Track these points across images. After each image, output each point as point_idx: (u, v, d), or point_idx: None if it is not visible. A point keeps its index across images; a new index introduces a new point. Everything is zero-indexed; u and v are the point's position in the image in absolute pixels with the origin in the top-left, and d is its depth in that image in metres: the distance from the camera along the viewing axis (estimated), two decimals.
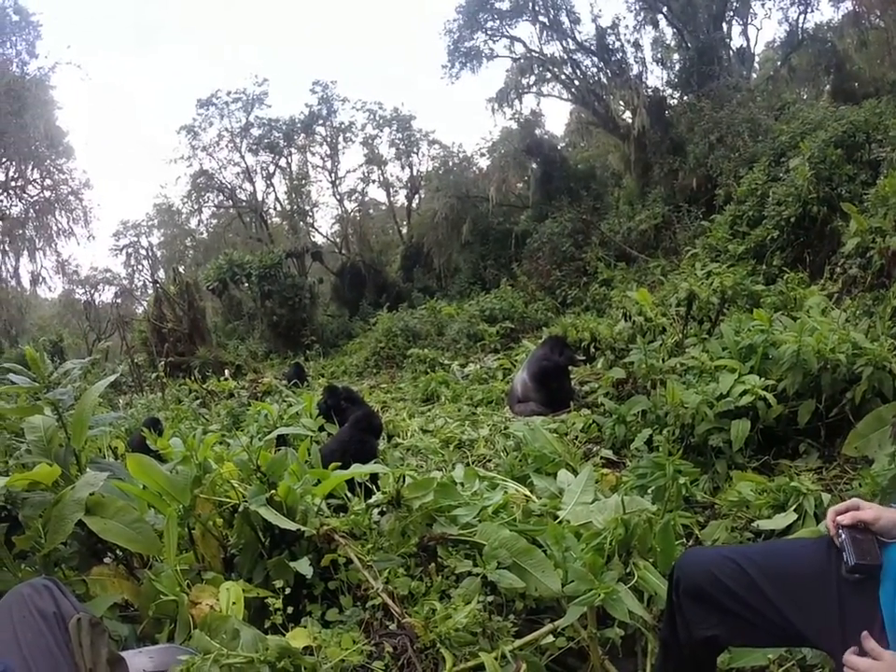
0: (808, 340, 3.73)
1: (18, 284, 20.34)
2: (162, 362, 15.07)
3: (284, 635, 2.03)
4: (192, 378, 12.86)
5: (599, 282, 13.14)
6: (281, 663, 1.78)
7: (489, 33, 21.98)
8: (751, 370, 3.93)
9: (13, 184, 19.23)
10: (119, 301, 32.68)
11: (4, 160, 18.37)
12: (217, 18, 58.58)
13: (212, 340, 18.46)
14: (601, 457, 4.20)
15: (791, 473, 3.17)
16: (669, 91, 20.34)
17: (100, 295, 34.17)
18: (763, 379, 3.73)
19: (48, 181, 19.87)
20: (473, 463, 4.76)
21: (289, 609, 2.13)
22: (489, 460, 4.80)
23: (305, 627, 2.12)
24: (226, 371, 13.55)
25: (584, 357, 7.39)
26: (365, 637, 2.09)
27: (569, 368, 6.28)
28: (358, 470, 2.75)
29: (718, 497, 3.15)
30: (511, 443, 4.76)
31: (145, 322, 18.82)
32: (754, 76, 22.02)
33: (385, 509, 2.57)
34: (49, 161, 19.54)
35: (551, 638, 2.07)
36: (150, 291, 27.19)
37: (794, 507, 2.61)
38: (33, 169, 19.39)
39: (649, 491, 2.95)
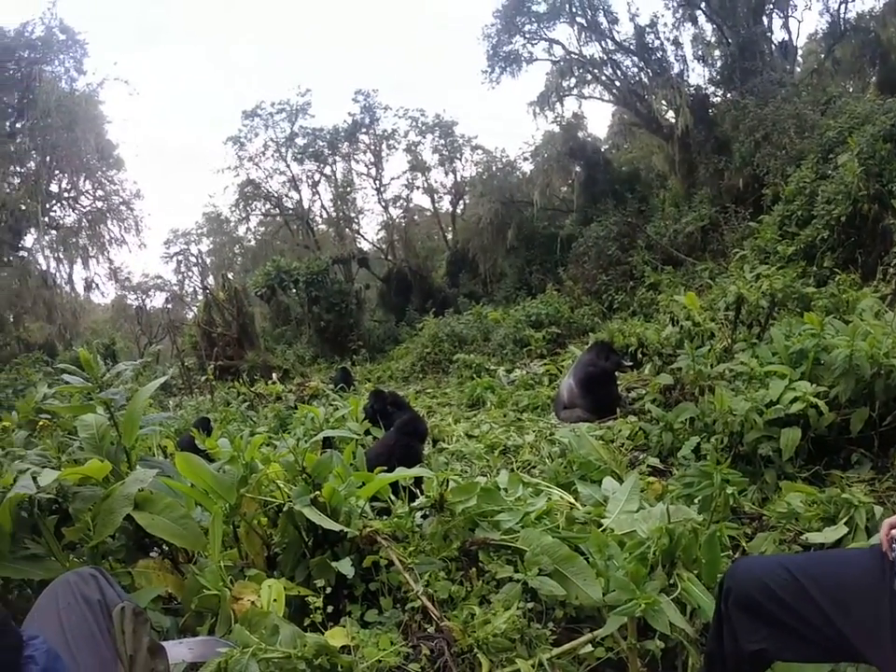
0: (861, 344, 3.61)
1: (72, 289, 21.11)
2: (212, 366, 15.42)
3: (322, 633, 2.06)
4: (241, 381, 13.11)
5: (646, 286, 12.93)
6: (318, 660, 1.79)
7: (527, 36, 21.88)
8: (802, 376, 3.82)
9: (66, 195, 20.03)
10: (169, 306, 33.67)
11: (57, 172, 19.16)
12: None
13: (260, 344, 18.77)
14: (647, 465, 4.11)
15: (843, 484, 3.06)
16: (712, 88, 19.83)
17: (151, 300, 35.28)
18: (814, 385, 3.62)
19: (99, 192, 20.71)
20: (518, 469, 4.72)
21: (329, 609, 2.15)
22: (534, 466, 4.75)
23: (344, 627, 2.14)
24: (273, 375, 13.76)
25: (631, 363, 7.29)
26: (403, 638, 2.09)
27: (616, 373, 6.20)
28: (403, 474, 2.76)
29: (766, 508, 3.05)
30: (557, 450, 4.72)
31: (195, 327, 19.25)
32: (798, 70, 21.27)
33: (427, 512, 2.57)
34: (100, 173, 20.33)
35: (589, 648, 2.03)
36: (200, 297, 27.97)
37: (845, 520, 2.51)
38: (85, 180, 20.18)
39: (695, 501, 2.88)
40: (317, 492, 2.47)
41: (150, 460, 2.79)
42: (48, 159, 18.41)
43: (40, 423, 2.72)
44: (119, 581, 2.27)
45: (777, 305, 6.08)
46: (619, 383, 6.43)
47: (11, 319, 17.91)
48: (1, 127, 17.36)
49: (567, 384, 6.29)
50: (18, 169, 18.51)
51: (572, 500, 3.12)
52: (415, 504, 2.57)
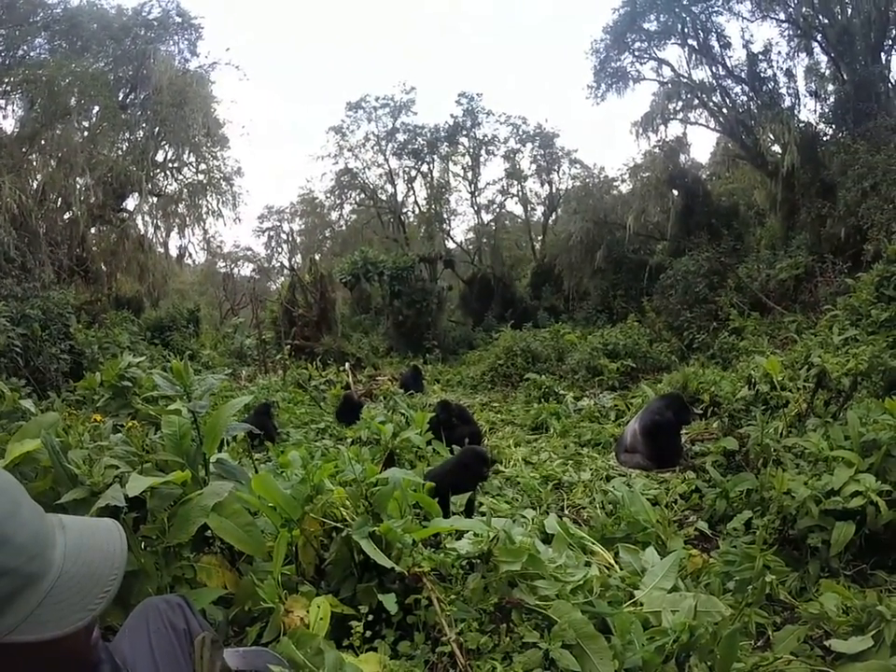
0: None
1: (166, 254, 22.23)
2: (288, 345, 16.00)
3: (357, 654, 2.23)
4: (313, 364, 13.58)
5: (730, 330, 12.50)
6: None
7: (636, 54, 21.41)
8: (871, 467, 3.69)
9: (170, 165, 21.16)
10: (256, 276, 35.08)
11: (164, 143, 20.27)
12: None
13: (338, 330, 19.30)
14: (695, 528, 4.14)
15: (884, 590, 3.00)
16: (822, 126, 18.71)
17: (238, 270, 36.90)
18: (879, 481, 3.49)
19: (202, 166, 21.71)
20: (567, 509, 4.81)
21: (367, 633, 2.33)
22: (584, 508, 4.83)
23: (377, 652, 2.31)
24: (346, 364, 14.14)
25: (701, 412, 7.19)
26: None
27: (682, 427, 6.16)
28: (459, 525, 2.93)
29: (801, 601, 3.01)
30: (609, 497, 4.77)
31: (277, 304, 19.95)
32: None
33: (474, 561, 2.69)
34: (204, 149, 21.36)
35: None
36: (286, 272, 28.98)
37: (874, 632, 2.44)
38: (189, 154, 21.19)
39: (734, 578, 2.92)
40: (376, 527, 2.65)
41: (226, 464, 3.00)
42: (156, 130, 19.45)
43: (128, 424, 2.99)
44: (184, 574, 2.53)
45: (861, 376, 5.88)
46: (685, 432, 6.39)
47: (105, 274, 19.02)
48: (115, 97, 18.41)
49: (631, 427, 6.29)
50: (127, 136, 19.64)
51: (612, 561, 3.21)
52: (464, 552, 2.70)
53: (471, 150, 30.17)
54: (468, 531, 2.91)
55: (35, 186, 16.09)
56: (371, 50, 64.46)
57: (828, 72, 18.89)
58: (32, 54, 17.30)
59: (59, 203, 17.49)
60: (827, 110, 18.70)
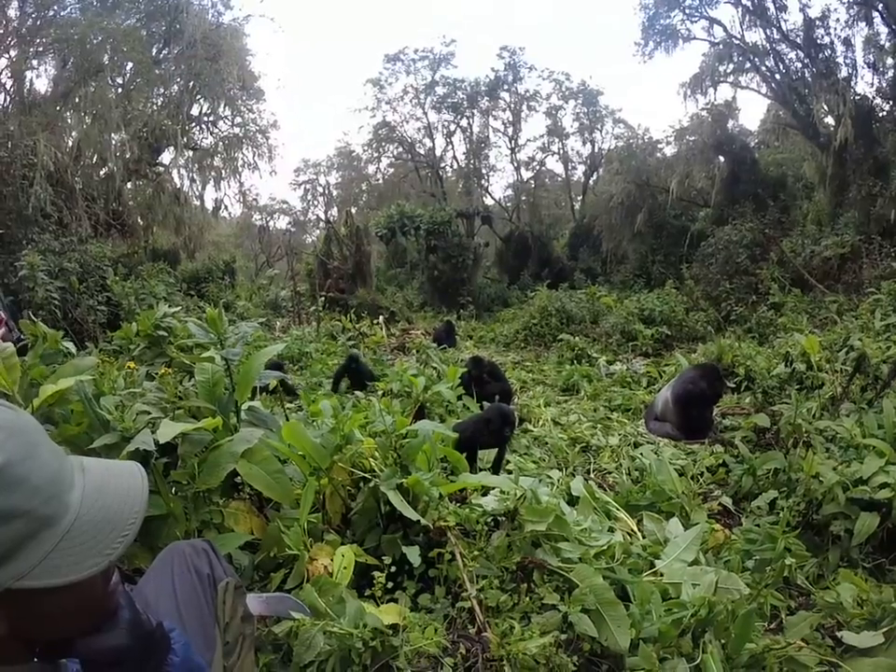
0: None
1: (201, 207, 22.35)
2: (323, 297, 16.11)
3: (378, 605, 2.28)
4: (347, 316, 13.68)
5: (769, 304, 12.22)
6: (373, 642, 2.01)
7: (687, 12, 20.60)
8: None
9: (205, 119, 21.10)
10: (292, 229, 35.18)
11: (199, 97, 20.14)
12: None
13: (372, 283, 19.30)
14: (719, 503, 4.11)
15: None
16: (879, 101, 17.71)
17: (274, 222, 37.03)
18: None
19: (237, 119, 21.60)
20: (593, 473, 4.81)
21: (389, 584, 2.36)
22: (610, 473, 4.82)
23: (398, 603, 2.36)
24: (380, 317, 14.21)
25: (734, 385, 7.06)
26: (446, 630, 2.27)
27: (715, 399, 6.06)
28: (487, 481, 2.93)
29: (818, 588, 2.99)
30: (636, 464, 4.76)
31: (313, 256, 20.01)
32: None
33: (499, 519, 2.72)
34: (240, 102, 21.20)
35: None
36: (322, 225, 29.03)
37: (886, 629, 2.40)
38: (224, 107, 21.03)
39: (753, 557, 2.91)
40: (404, 479, 2.68)
41: (257, 412, 3.06)
42: (191, 85, 19.32)
43: (162, 371, 3.03)
44: (212, 519, 2.59)
45: None
46: (717, 404, 6.29)
47: (142, 227, 19.15)
48: (148, 53, 18.35)
49: (663, 395, 6.20)
50: (162, 91, 19.55)
51: (635, 528, 3.22)
52: (490, 509, 2.72)
53: (512, 106, 29.70)
54: (494, 488, 2.94)
55: (70, 143, 16.16)
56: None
57: (888, 44, 17.82)
58: (63, 13, 17.30)
59: (94, 159, 17.55)
60: (885, 84, 17.79)
